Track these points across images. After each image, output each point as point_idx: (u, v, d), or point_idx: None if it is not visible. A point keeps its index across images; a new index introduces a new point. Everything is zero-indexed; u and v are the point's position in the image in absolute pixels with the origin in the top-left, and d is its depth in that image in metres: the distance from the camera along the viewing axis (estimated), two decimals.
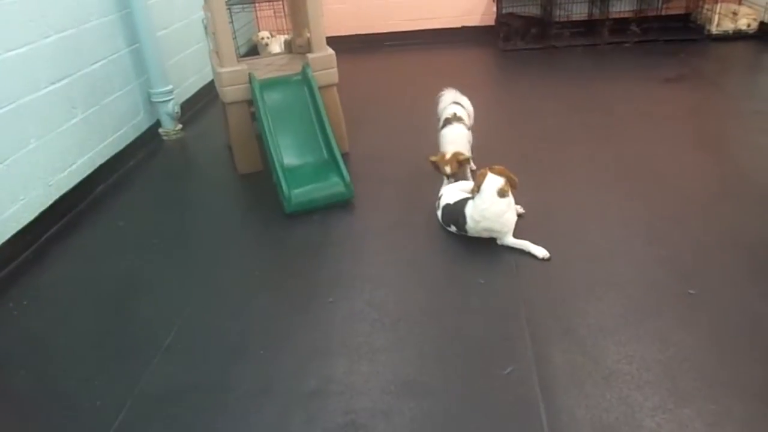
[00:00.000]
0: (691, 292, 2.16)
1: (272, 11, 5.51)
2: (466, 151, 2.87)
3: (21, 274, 2.65)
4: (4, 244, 2.66)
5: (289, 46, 3.92)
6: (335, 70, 3.40)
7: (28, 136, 2.85)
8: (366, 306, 2.24)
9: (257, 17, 6.07)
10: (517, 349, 1.97)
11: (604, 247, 2.47)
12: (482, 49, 5.74)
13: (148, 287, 2.50)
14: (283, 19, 5.37)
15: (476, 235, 2.54)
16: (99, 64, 3.47)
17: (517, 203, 2.61)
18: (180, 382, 1.97)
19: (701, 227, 2.56)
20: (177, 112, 4.12)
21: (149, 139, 4.01)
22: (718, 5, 5.27)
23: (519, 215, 2.62)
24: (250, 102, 3.26)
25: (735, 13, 5.21)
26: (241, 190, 3.36)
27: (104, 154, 3.48)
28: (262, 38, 5.44)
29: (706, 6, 5.41)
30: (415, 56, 5.79)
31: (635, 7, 5.61)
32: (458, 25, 6.06)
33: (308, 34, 3.45)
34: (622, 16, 5.59)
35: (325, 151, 3.17)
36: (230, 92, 3.23)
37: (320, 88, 3.26)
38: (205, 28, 3.70)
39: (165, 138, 4.11)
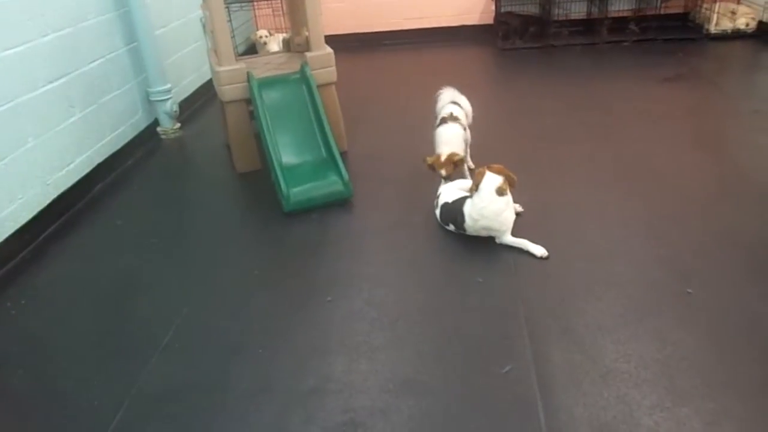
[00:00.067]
0: (690, 291, 2.16)
1: (270, 10, 5.50)
2: (460, 150, 2.87)
3: (19, 273, 2.64)
4: (1, 243, 2.66)
5: (287, 44, 3.92)
6: (334, 68, 3.40)
7: (26, 135, 2.84)
8: (365, 305, 2.24)
9: (255, 16, 6.07)
10: (515, 347, 1.97)
11: (603, 246, 2.47)
12: (481, 48, 5.74)
13: (146, 286, 2.50)
14: (282, 18, 5.36)
15: (475, 233, 2.54)
16: (97, 62, 3.46)
17: (515, 202, 2.61)
18: (178, 381, 1.96)
19: (700, 226, 2.56)
20: (175, 111, 4.11)
21: (147, 138, 4.00)
22: (717, 4, 5.27)
23: (518, 214, 2.63)
24: (249, 101, 3.26)
25: (734, 13, 5.22)
26: (240, 189, 3.36)
27: (102, 153, 3.48)
28: (261, 37, 5.43)
29: (705, 5, 5.41)
30: (414, 55, 5.79)
31: (634, 6, 5.62)
32: (457, 23, 6.06)
33: (306, 33, 3.45)
34: (620, 15, 5.60)
35: (323, 150, 3.17)
36: (228, 91, 3.23)
37: (319, 86, 3.26)
38: (204, 26, 3.70)
39: (163, 137, 4.11)
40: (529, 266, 2.38)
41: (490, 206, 2.43)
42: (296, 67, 3.37)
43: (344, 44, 4.99)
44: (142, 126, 3.96)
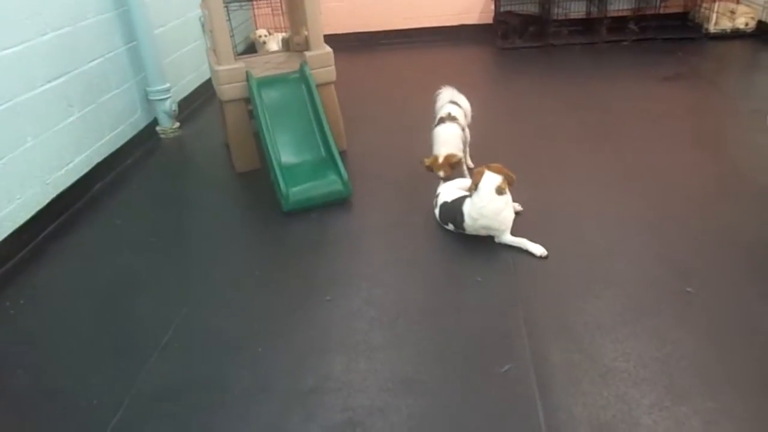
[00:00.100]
0: (689, 290, 2.16)
1: (270, 9, 5.50)
2: (458, 150, 2.87)
3: (18, 273, 2.64)
4: (0, 243, 2.65)
5: (286, 44, 3.92)
6: (333, 68, 3.40)
7: (25, 134, 2.84)
8: (364, 304, 2.24)
9: (255, 15, 6.06)
10: (514, 346, 1.97)
11: (602, 245, 2.47)
12: (480, 47, 5.74)
13: (145, 286, 2.49)
14: (281, 17, 5.35)
15: (474, 233, 2.54)
16: (96, 62, 3.46)
17: (515, 201, 2.61)
18: (178, 380, 1.96)
19: (699, 225, 2.56)
20: (174, 110, 4.11)
21: (146, 137, 4.00)
22: (716, 4, 5.27)
23: (517, 213, 2.63)
24: (248, 100, 3.26)
25: (733, 12, 5.22)
26: (239, 189, 3.36)
27: (101, 153, 3.47)
28: (260, 36, 5.43)
29: (704, 5, 5.41)
30: (413, 54, 5.79)
31: (633, 6, 5.61)
32: (456, 23, 6.06)
33: (306, 32, 3.45)
34: (620, 14, 5.60)
35: (322, 149, 3.17)
36: (228, 90, 3.23)
37: (318, 86, 3.26)
38: (203, 25, 3.70)
39: (162, 136, 4.11)
40: (528, 265, 2.38)
41: (489, 205, 2.43)
42: (295, 66, 3.37)
43: (343, 43, 4.99)
44: (141, 125, 3.96)
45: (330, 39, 3.47)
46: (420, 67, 5.32)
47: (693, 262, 2.33)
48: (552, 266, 2.37)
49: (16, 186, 2.77)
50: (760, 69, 4.83)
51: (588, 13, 5.72)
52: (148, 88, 3.97)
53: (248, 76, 3.18)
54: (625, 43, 5.39)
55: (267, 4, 4.73)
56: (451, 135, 2.89)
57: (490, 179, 2.43)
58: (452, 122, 2.95)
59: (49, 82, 3.03)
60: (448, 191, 2.68)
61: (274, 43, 5.33)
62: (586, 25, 5.68)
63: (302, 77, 3.29)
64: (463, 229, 2.55)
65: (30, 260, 2.73)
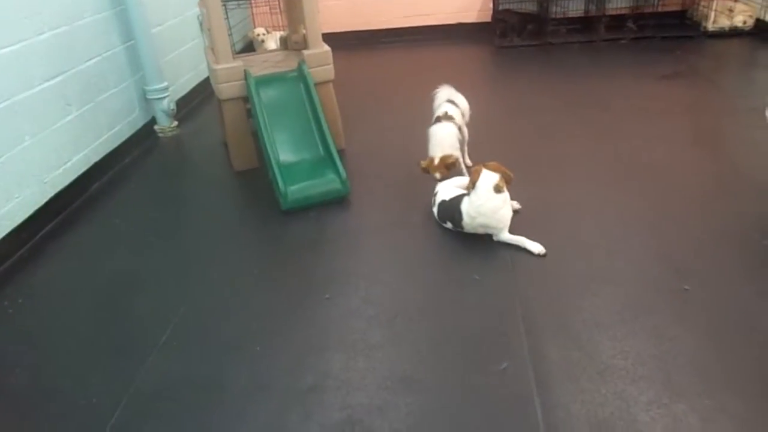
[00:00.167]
0: (687, 288, 2.17)
1: (268, 8, 5.51)
2: (454, 150, 2.87)
3: (16, 272, 2.64)
4: None
5: (284, 42, 3.92)
6: (331, 66, 3.40)
7: (23, 133, 2.84)
8: (362, 302, 2.24)
9: (253, 14, 6.06)
10: (512, 344, 1.97)
11: (600, 243, 2.48)
12: (478, 45, 5.74)
13: (143, 285, 2.49)
14: (279, 16, 5.37)
15: (472, 231, 2.55)
16: (93, 61, 3.45)
17: (513, 199, 2.61)
18: (176, 379, 1.96)
19: (697, 223, 2.56)
20: (172, 109, 4.10)
21: (144, 136, 4.00)
22: (715, 2, 5.27)
23: (515, 211, 2.63)
24: (246, 99, 3.25)
25: (731, 10, 5.22)
26: (237, 188, 3.36)
27: (99, 152, 3.47)
28: (258, 35, 5.42)
29: (703, 3, 5.42)
30: (412, 53, 5.79)
31: (632, 4, 5.61)
32: (455, 21, 6.06)
33: (304, 31, 3.44)
34: (618, 12, 5.60)
35: (321, 148, 3.17)
36: (226, 89, 3.23)
37: (316, 84, 3.26)
38: (201, 24, 3.69)
39: (160, 135, 4.10)
40: (526, 263, 2.39)
41: (487, 204, 2.43)
42: (294, 65, 3.37)
43: (342, 42, 4.98)
44: (139, 124, 3.96)
45: (328, 37, 3.47)
46: (418, 66, 5.32)
47: (691, 260, 2.33)
48: (550, 264, 2.37)
49: (14, 185, 2.76)
50: (758, 67, 4.83)
51: (586, 11, 5.72)
52: (146, 87, 3.96)
53: (246, 75, 3.18)
54: (623, 41, 5.39)
55: (265, 2, 4.74)
56: (447, 134, 2.89)
57: (488, 178, 2.43)
58: (448, 121, 2.95)
59: (47, 81, 3.03)
60: (446, 190, 2.68)
61: (272, 42, 5.32)
62: (584, 24, 5.68)
63: (300, 76, 3.29)
64: (462, 228, 2.56)
65: (28, 259, 2.73)
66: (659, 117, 3.70)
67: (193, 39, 4.71)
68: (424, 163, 2.87)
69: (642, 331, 1.98)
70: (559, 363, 1.88)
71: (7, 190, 2.72)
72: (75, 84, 3.26)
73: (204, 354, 2.07)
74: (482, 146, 3.24)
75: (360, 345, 2.03)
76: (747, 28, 5.18)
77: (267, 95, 3.22)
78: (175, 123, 4.18)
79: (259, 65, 3.48)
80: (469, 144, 3.18)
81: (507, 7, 5.72)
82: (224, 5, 3.22)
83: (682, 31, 5.42)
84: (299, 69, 3.29)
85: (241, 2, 5.10)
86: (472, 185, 2.47)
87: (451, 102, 3.08)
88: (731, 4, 5.25)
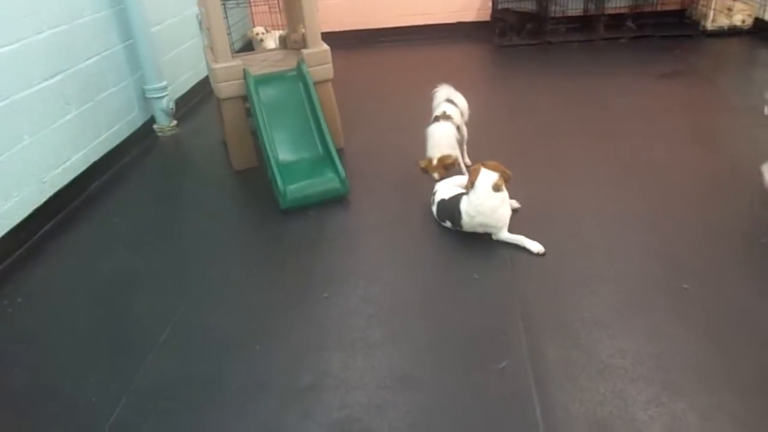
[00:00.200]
0: (686, 286, 2.17)
1: (267, 7, 5.51)
2: (452, 149, 2.87)
3: (15, 271, 2.64)
4: None
5: (284, 41, 3.92)
6: (330, 65, 3.40)
7: (22, 132, 2.83)
8: (361, 301, 2.24)
9: (252, 13, 6.06)
10: (511, 343, 1.98)
11: (599, 242, 2.48)
12: (478, 44, 5.74)
13: (143, 284, 2.49)
14: (278, 15, 5.37)
15: (471, 230, 2.55)
16: (93, 60, 3.45)
17: (512, 198, 2.61)
18: (175, 378, 1.96)
19: (696, 222, 2.57)
20: (171, 108, 4.10)
21: (144, 135, 3.99)
22: (714, 1, 5.28)
23: (514, 210, 2.63)
24: (245, 98, 3.25)
25: (730, 9, 5.23)
26: (236, 187, 3.36)
27: (98, 151, 3.47)
28: (257, 34, 5.42)
29: (702, 2, 5.42)
30: (411, 52, 5.79)
31: (631, 3, 5.61)
32: (454, 20, 6.06)
33: (303, 30, 3.44)
34: (617, 11, 5.60)
35: (320, 147, 3.17)
36: (225, 88, 3.23)
37: (315, 83, 3.25)
38: (200, 23, 3.69)
39: (159, 134, 4.10)
40: (525, 262, 2.39)
41: (486, 203, 2.43)
42: (293, 64, 3.37)
43: (341, 41, 4.98)
44: (139, 123, 3.96)
45: (327, 36, 3.47)
46: (417, 65, 5.32)
47: (690, 259, 2.33)
48: (549, 263, 2.37)
49: (13, 184, 2.76)
50: (757, 66, 4.83)
51: (585, 10, 5.72)
52: (145, 86, 3.96)
53: (245, 74, 3.18)
54: (622, 40, 5.39)
55: (264, 1, 4.74)
56: (444, 134, 2.89)
57: (487, 176, 2.43)
58: (446, 121, 2.95)
59: (46, 80, 3.03)
60: (445, 189, 2.68)
61: (271, 41, 5.32)
62: (583, 23, 5.69)
63: (299, 75, 3.29)
64: (461, 227, 2.56)
65: (27, 258, 2.73)
66: (658, 116, 3.71)
67: (192, 38, 4.71)
68: (422, 164, 2.87)
69: (641, 329, 1.99)
70: (558, 362, 1.88)
71: (6, 189, 2.72)
72: (74, 83, 3.26)
73: (203, 353, 2.07)
74: (481, 145, 3.24)
75: (359, 344, 2.03)
76: (746, 27, 5.19)
77: (266, 94, 3.22)
78: (174, 122, 4.18)
79: (258, 64, 3.47)
80: (468, 143, 3.18)
81: (506, 6, 5.72)
82: (223, 4, 3.22)
83: (681, 30, 5.42)
84: (298, 68, 3.29)
85: (240, 1, 5.11)
86: (471, 184, 2.47)
87: (449, 101, 3.08)
88: (730, 3, 5.26)
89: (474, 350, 1.97)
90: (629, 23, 5.53)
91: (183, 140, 4.08)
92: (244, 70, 3.19)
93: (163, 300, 2.35)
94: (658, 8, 5.55)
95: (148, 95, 3.99)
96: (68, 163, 3.17)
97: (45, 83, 3.01)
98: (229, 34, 3.41)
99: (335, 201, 2.95)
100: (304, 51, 3.33)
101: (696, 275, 2.23)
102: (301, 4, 3.26)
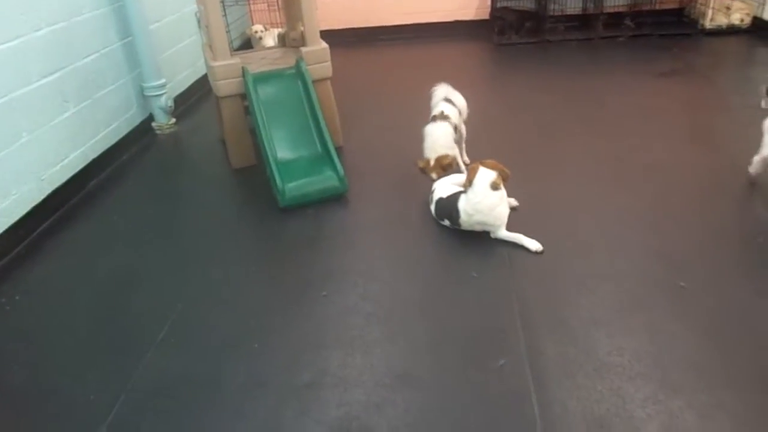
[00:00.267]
0: (683, 285, 2.17)
1: (266, 5, 5.50)
2: (449, 149, 2.87)
3: (13, 269, 2.64)
4: None
5: (282, 39, 3.91)
6: (329, 63, 3.39)
7: (20, 130, 2.83)
8: (360, 300, 2.25)
9: (251, 11, 6.05)
10: (509, 341, 1.98)
11: (597, 240, 2.48)
12: (477, 43, 5.74)
13: (141, 282, 2.49)
14: (277, 13, 5.36)
15: (470, 228, 2.55)
16: (91, 57, 3.44)
17: (510, 196, 2.61)
18: (174, 376, 1.96)
19: (694, 220, 2.57)
20: (170, 106, 4.10)
21: (142, 133, 3.99)
22: (712, 0, 5.28)
23: (513, 208, 2.63)
24: (244, 96, 3.25)
25: (728, 8, 5.24)
26: (235, 185, 3.36)
27: (97, 149, 3.46)
28: (256, 32, 5.41)
29: (700, 1, 5.42)
30: (410, 50, 5.78)
31: (629, 2, 5.62)
32: (453, 19, 6.06)
33: (302, 28, 3.44)
34: (616, 10, 5.60)
35: (318, 145, 3.17)
36: (224, 86, 3.22)
37: (314, 81, 3.25)
38: (198, 21, 3.69)
39: (158, 132, 4.10)
40: (523, 260, 2.39)
41: (484, 201, 2.43)
42: (291, 62, 3.36)
43: (340, 39, 4.98)
44: (137, 121, 3.95)
45: (326, 35, 3.47)
46: (416, 63, 5.32)
47: (688, 257, 2.34)
48: (547, 261, 2.38)
49: (11, 182, 2.76)
50: (755, 65, 4.84)
51: (584, 9, 5.72)
52: (144, 84, 3.95)
53: (244, 72, 3.17)
54: (621, 39, 5.40)
55: None
56: (441, 134, 2.89)
57: (485, 175, 2.43)
58: (443, 121, 2.95)
59: (45, 77, 3.02)
60: (443, 187, 2.69)
61: (270, 39, 5.31)
62: (582, 21, 5.69)
63: (298, 73, 3.29)
64: (459, 225, 2.56)
65: (25, 256, 2.73)
66: (656, 114, 3.71)
67: (191, 36, 4.70)
68: (421, 164, 2.88)
69: (639, 327, 1.99)
70: (555, 360, 1.88)
71: (4, 186, 2.71)
72: (72, 81, 3.25)
73: (201, 351, 2.07)
74: (480, 143, 3.24)
75: (357, 342, 2.03)
76: (744, 26, 5.20)
77: (265, 92, 3.22)
78: (173, 120, 4.17)
79: (257, 62, 3.47)
80: (466, 141, 3.19)
81: (505, 4, 5.73)
82: (222, 2, 3.21)
83: (679, 28, 5.43)
84: (297, 66, 3.29)
85: None
86: (469, 183, 2.47)
87: (447, 101, 3.08)
88: (728, 2, 5.27)
89: (472, 348, 1.97)
90: (628, 22, 5.53)
91: (181, 138, 4.07)
92: (242, 68, 3.19)
93: (162, 298, 2.35)
94: (657, 7, 5.55)
95: (147, 93, 3.98)
96: (67, 161, 3.17)
97: (43, 81, 3.01)
98: (227, 31, 3.40)
99: (334, 199, 2.96)
100: (303, 49, 3.33)
101: (694, 274, 2.23)
102: (300, 2, 3.26)
